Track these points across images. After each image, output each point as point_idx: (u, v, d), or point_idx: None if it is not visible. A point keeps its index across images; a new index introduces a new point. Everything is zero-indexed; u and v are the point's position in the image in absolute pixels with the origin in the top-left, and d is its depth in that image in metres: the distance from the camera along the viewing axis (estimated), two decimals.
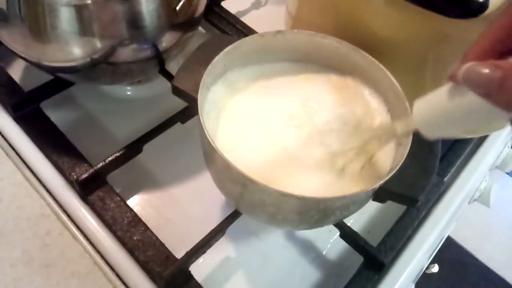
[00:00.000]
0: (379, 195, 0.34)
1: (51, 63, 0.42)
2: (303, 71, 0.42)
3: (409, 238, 0.45)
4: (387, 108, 0.39)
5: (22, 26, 0.38)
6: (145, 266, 0.39)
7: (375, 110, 0.39)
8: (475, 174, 0.53)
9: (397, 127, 0.31)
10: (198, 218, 0.45)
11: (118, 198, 0.42)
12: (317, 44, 0.41)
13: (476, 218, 1.45)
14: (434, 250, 0.51)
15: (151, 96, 0.54)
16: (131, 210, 0.41)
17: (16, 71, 0.53)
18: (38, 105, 0.48)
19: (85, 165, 0.43)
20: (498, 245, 1.43)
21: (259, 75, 0.41)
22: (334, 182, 0.35)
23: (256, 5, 0.69)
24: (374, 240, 0.43)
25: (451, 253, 1.38)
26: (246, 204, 0.36)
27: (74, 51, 0.39)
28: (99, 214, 0.41)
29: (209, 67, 0.36)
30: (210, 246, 0.40)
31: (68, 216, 0.42)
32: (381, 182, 0.31)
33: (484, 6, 0.31)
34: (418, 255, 0.44)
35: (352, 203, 0.34)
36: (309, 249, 0.46)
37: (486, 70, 0.20)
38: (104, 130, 0.51)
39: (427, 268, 0.65)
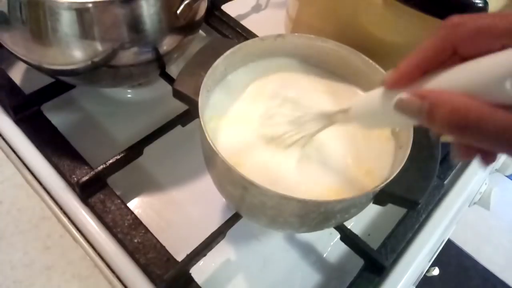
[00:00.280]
0: (380, 198, 0.34)
1: (52, 66, 0.42)
2: (303, 74, 0.43)
3: (409, 241, 0.45)
4: None
5: (23, 29, 0.39)
6: (145, 269, 0.39)
7: None
8: (475, 177, 0.53)
9: (338, 116, 0.33)
10: (199, 220, 0.45)
11: (119, 201, 0.42)
12: (317, 48, 0.41)
13: (476, 221, 1.45)
14: (435, 253, 0.52)
15: (151, 99, 0.54)
16: (132, 212, 0.42)
17: (17, 73, 0.53)
18: (39, 107, 0.48)
19: (86, 167, 0.43)
20: (498, 248, 1.43)
21: (260, 78, 0.41)
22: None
23: (256, 9, 0.70)
24: (374, 243, 0.43)
25: (451, 256, 1.38)
26: (247, 207, 0.36)
27: (75, 54, 0.40)
28: (100, 217, 0.41)
29: (210, 70, 0.36)
30: (210, 249, 0.40)
31: (69, 218, 0.42)
32: (382, 185, 0.31)
33: (483, 12, 0.32)
34: (419, 258, 0.44)
35: (353, 206, 0.34)
36: (309, 252, 0.46)
37: (416, 102, 0.22)
38: (105, 132, 0.51)
39: (427, 271, 0.65)
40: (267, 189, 0.30)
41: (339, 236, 0.44)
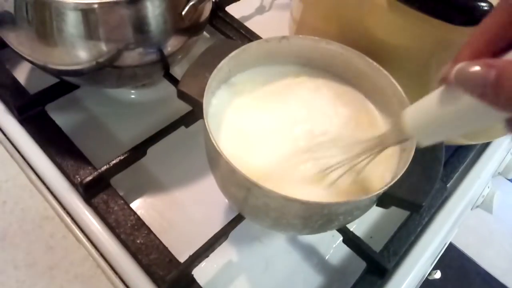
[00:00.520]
0: (383, 200, 0.34)
1: (57, 66, 0.42)
2: (307, 76, 0.43)
3: (412, 244, 0.45)
4: (387, 115, 0.39)
5: (29, 29, 0.39)
6: (148, 270, 0.39)
7: (375, 119, 0.40)
8: (478, 181, 0.53)
9: (388, 138, 0.30)
10: (201, 222, 0.45)
11: (122, 201, 0.42)
12: (321, 50, 0.41)
13: (479, 225, 1.45)
14: (437, 256, 0.51)
15: (155, 99, 0.54)
16: (135, 213, 0.42)
17: (21, 73, 0.53)
18: (43, 107, 0.48)
19: (89, 168, 0.44)
20: (501, 251, 1.43)
21: (264, 80, 0.42)
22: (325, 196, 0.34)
23: (260, 11, 0.70)
24: (377, 246, 0.43)
25: (453, 260, 1.38)
26: (250, 209, 0.36)
27: (80, 54, 0.40)
28: (103, 217, 0.41)
29: (214, 71, 0.36)
30: (213, 250, 0.40)
31: (72, 218, 0.42)
32: (385, 187, 0.31)
33: (488, 13, 0.31)
34: (421, 261, 0.44)
35: (356, 208, 0.34)
36: (312, 254, 0.46)
37: (480, 69, 0.19)
38: (108, 133, 0.51)
39: (429, 274, 0.65)
40: (271, 191, 0.30)
41: (341, 238, 0.43)
